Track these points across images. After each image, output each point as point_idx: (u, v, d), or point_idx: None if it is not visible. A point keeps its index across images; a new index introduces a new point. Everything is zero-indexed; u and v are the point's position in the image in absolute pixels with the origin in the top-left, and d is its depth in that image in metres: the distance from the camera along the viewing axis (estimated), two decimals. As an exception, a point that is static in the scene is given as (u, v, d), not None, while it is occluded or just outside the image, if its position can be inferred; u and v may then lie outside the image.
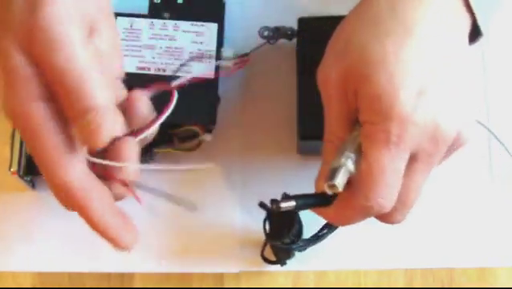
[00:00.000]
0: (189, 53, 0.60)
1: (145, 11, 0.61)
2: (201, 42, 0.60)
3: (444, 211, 0.61)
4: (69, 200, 0.45)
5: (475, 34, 0.51)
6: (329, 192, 0.47)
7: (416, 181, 0.48)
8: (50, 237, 0.61)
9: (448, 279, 0.60)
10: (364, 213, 0.48)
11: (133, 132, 0.46)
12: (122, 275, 0.60)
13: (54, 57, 0.42)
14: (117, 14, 0.59)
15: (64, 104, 0.43)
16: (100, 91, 0.43)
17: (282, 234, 0.56)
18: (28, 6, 0.43)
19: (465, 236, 0.60)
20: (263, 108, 0.64)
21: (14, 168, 0.58)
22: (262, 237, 0.59)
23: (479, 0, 0.49)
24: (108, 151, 0.45)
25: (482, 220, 0.61)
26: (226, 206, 0.61)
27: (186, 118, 0.58)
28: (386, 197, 0.47)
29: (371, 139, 0.47)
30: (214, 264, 0.60)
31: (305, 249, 0.59)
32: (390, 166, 0.46)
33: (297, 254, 0.59)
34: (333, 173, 0.47)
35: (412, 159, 0.47)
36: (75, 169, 0.44)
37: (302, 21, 0.62)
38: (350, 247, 0.60)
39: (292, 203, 0.49)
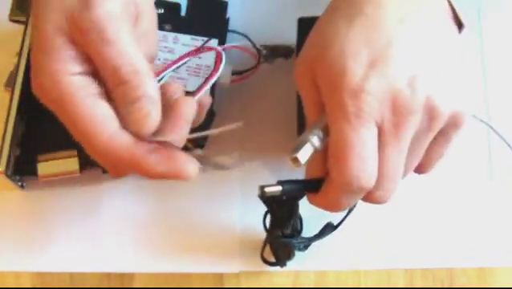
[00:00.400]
0: (186, 67, 0.59)
1: None
2: (200, 57, 0.60)
3: (444, 211, 0.61)
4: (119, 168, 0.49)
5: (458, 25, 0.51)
6: (293, 166, 0.48)
7: (388, 155, 0.47)
8: (50, 237, 0.61)
9: (448, 279, 0.60)
10: (346, 191, 0.48)
11: (192, 94, 0.50)
12: (122, 275, 0.60)
13: (106, 52, 0.46)
14: None
15: (114, 90, 0.47)
16: (149, 80, 0.47)
17: (283, 224, 0.56)
18: (81, 1, 0.46)
19: (465, 236, 0.60)
20: (263, 109, 0.64)
21: (2, 167, 0.58)
22: (262, 237, 0.59)
23: None
24: (168, 109, 0.48)
25: (482, 220, 0.61)
26: (226, 206, 0.61)
27: None
28: (361, 170, 0.46)
29: (332, 115, 0.47)
30: (214, 264, 0.60)
31: (305, 248, 0.59)
32: (355, 137, 0.46)
33: (297, 253, 0.59)
34: (296, 147, 0.48)
35: (380, 131, 0.47)
36: (119, 139, 0.47)
37: (302, 21, 0.62)
38: (350, 247, 0.60)
39: (278, 188, 0.49)
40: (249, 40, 0.63)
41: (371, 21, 0.48)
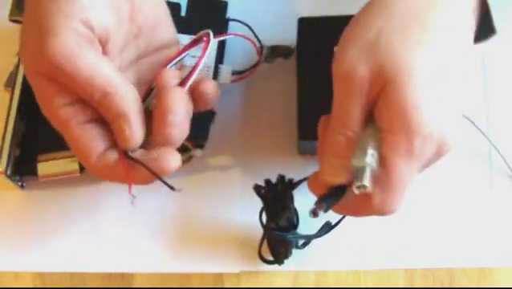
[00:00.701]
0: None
1: None
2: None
3: (444, 211, 0.61)
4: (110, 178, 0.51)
5: (486, 32, 0.51)
6: (357, 192, 0.47)
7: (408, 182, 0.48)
8: (50, 237, 0.61)
9: (448, 279, 0.60)
10: (375, 212, 0.49)
11: (180, 83, 0.50)
12: (122, 275, 0.61)
13: (75, 83, 0.48)
14: None
15: (100, 112, 0.49)
16: (121, 98, 0.48)
17: (277, 215, 0.56)
18: (38, 38, 0.48)
19: (465, 236, 0.60)
20: (263, 109, 0.64)
21: (2, 167, 0.58)
22: (266, 249, 0.59)
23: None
24: (158, 100, 0.49)
25: (482, 220, 0.61)
26: (226, 206, 0.61)
27: None
28: (398, 205, 0.48)
29: (393, 148, 0.47)
30: (214, 264, 0.60)
31: (304, 246, 0.59)
32: (409, 178, 0.47)
33: (297, 253, 0.59)
34: (361, 173, 0.47)
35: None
36: (108, 157, 0.49)
37: (302, 21, 0.62)
38: (350, 247, 0.60)
39: (324, 209, 0.49)
40: (252, 31, 0.62)
41: (440, 54, 0.47)
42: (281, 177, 0.55)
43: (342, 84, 0.48)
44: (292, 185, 0.55)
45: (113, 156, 0.49)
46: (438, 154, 0.48)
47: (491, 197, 0.61)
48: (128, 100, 0.49)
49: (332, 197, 0.49)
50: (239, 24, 0.63)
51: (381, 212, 0.48)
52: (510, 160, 0.62)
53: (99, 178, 0.51)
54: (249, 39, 0.61)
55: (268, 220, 0.57)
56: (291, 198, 0.56)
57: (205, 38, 0.53)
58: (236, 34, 0.60)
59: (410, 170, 0.47)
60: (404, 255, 0.60)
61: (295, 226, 0.57)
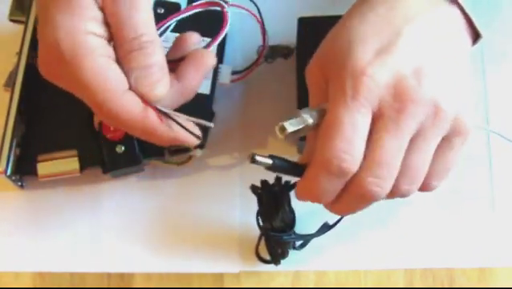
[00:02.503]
0: None
1: None
2: None
3: (444, 211, 0.61)
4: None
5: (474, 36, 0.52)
6: (279, 135, 0.48)
7: (383, 139, 0.47)
8: (50, 237, 0.61)
9: (448, 279, 0.60)
10: (327, 172, 0.47)
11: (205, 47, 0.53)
12: (122, 275, 0.61)
13: (133, 19, 0.48)
14: None
15: (128, 55, 0.49)
16: (163, 52, 0.50)
17: (271, 216, 0.55)
18: None
19: (465, 236, 0.60)
20: (263, 109, 0.64)
21: (2, 167, 0.58)
22: (264, 253, 0.59)
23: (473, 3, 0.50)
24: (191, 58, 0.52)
25: (482, 220, 0.61)
26: (226, 206, 0.62)
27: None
28: (344, 151, 0.47)
29: (331, 97, 0.48)
30: (214, 264, 0.60)
31: (302, 247, 0.59)
32: (346, 118, 0.46)
33: (297, 253, 0.59)
34: (287, 119, 0.48)
35: (378, 116, 0.47)
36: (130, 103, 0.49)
37: (302, 21, 0.62)
38: (350, 247, 0.60)
39: (269, 160, 0.49)
40: (258, 10, 0.62)
41: (381, 18, 0.49)
42: (277, 178, 0.55)
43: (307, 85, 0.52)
44: (289, 186, 0.55)
45: (138, 98, 0.49)
46: (402, 102, 0.47)
47: (491, 197, 0.61)
48: (161, 49, 0.50)
49: (285, 163, 0.50)
50: (240, 23, 0.63)
51: (329, 164, 0.47)
52: (510, 159, 0.62)
53: (113, 123, 0.51)
54: (255, 16, 0.61)
55: (263, 221, 0.57)
56: (288, 199, 0.56)
57: (223, 13, 0.55)
58: (240, 7, 0.60)
59: (347, 111, 0.46)
60: (404, 255, 0.60)
61: (291, 227, 0.57)
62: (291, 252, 0.59)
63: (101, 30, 0.49)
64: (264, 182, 0.55)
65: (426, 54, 0.48)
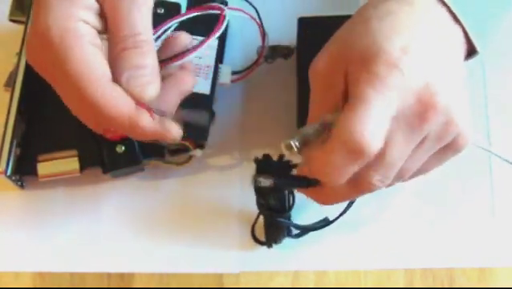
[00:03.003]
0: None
1: None
2: (200, 57, 0.60)
3: (444, 211, 0.61)
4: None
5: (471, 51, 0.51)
6: (285, 151, 0.48)
7: (398, 142, 0.46)
8: (50, 237, 0.61)
9: (448, 279, 0.60)
10: (345, 150, 0.46)
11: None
12: (122, 275, 0.61)
13: (134, 16, 0.48)
14: None
15: (121, 53, 0.48)
16: (155, 55, 0.49)
17: (268, 192, 0.55)
18: None
19: (465, 236, 0.60)
20: (263, 109, 0.64)
21: (2, 167, 0.58)
22: (262, 237, 0.59)
23: (469, 15, 0.49)
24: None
25: (482, 220, 0.61)
26: (226, 206, 0.62)
27: None
28: (367, 129, 0.45)
29: (356, 82, 0.47)
30: (214, 264, 0.60)
31: (298, 236, 0.59)
32: (373, 98, 0.45)
33: (297, 254, 0.59)
34: (293, 136, 0.48)
35: (397, 116, 0.46)
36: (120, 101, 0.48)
37: (302, 21, 0.62)
38: (350, 247, 0.60)
39: (270, 181, 0.49)
40: (257, 13, 0.61)
41: (399, 18, 0.48)
42: (280, 156, 0.54)
43: (310, 84, 0.51)
44: (290, 166, 0.53)
45: (122, 92, 0.48)
46: (443, 132, 0.47)
47: (491, 196, 0.61)
48: (155, 52, 0.49)
49: (288, 180, 0.50)
50: (240, 23, 0.63)
51: (348, 141, 0.46)
52: (511, 158, 0.62)
53: (92, 117, 0.49)
54: (254, 19, 0.60)
55: (258, 197, 0.55)
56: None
57: (220, 14, 0.54)
58: (240, 10, 0.59)
59: (375, 91, 0.45)
60: (404, 255, 0.60)
61: (286, 210, 0.56)
62: (291, 247, 0.59)
63: (94, 20, 0.48)
64: (266, 155, 0.54)
65: (440, 63, 0.48)
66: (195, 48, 0.51)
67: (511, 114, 0.63)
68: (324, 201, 0.51)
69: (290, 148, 0.47)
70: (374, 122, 0.46)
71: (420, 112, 0.46)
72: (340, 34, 0.50)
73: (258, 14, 0.61)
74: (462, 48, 0.50)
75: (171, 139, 0.50)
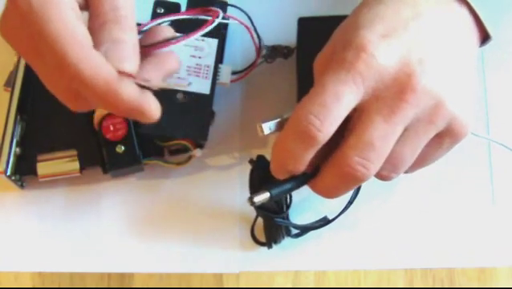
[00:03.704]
0: (187, 67, 0.59)
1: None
2: (200, 57, 0.60)
3: (444, 211, 0.61)
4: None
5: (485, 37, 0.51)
6: (259, 133, 0.49)
7: (374, 121, 0.46)
8: (50, 237, 0.61)
9: (448, 279, 0.60)
10: (294, 132, 0.47)
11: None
12: (122, 275, 0.61)
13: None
14: None
15: (103, 26, 0.46)
16: (135, 31, 0.47)
17: (256, 190, 0.53)
18: None
19: (465, 236, 0.60)
20: (263, 109, 0.64)
21: (2, 167, 0.58)
22: (262, 237, 0.59)
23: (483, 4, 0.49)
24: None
25: (482, 220, 0.61)
26: (226, 206, 0.61)
27: (177, 132, 0.59)
28: (316, 116, 0.45)
29: (324, 70, 0.47)
30: (214, 264, 0.60)
31: (296, 236, 0.59)
32: (331, 86, 0.46)
33: (297, 254, 0.59)
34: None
35: (372, 97, 0.46)
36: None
37: (302, 21, 0.62)
38: (350, 247, 0.60)
39: (266, 195, 0.49)
40: (251, 22, 0.62)
41: (390, 9, 0.48)
42: (260, 157, 0.54)
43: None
44: None
45: (102, 59, 0.45)
46: (433, 116, 0.46)
47: (491, 197, 0.61)
48: (135, 30, 0.48)
49: (283, 185, 0.49)
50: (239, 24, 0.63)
51: (296, 124, 0.46)
52: (511, 158, 0.62)
53: (68, 88, 0.47)
54: (247, 28, 0.60)
55: (250, 193, 0.55)
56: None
57: (213, 13, 0.54)
58: (234, 18, 0.60)
59: (334, 79, 0.46)
60: (404, 255, 0.60)
61: (282, 211, 0.56)
62: (291, 247, 0.59)
63: None
64: (260, 156, 0.54)
65: (433, 48, 0.47)
66: (177, 40, 0.50)
67: (510, 102, 0.63)
68: (326, 194, 0.50)
69: (261, 130, 0.48)
70: (322, 104, 0.45)
71: (397, 93, 0.46)
72: (339, 27, 0.51)
73: (252, 22, 0.61)
74: (470, 34, 0.50)
75: (149, 115, 0.47)
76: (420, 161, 0.50)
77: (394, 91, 0.46)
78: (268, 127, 0.49)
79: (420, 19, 0.48)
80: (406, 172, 0.51)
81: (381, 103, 0.46)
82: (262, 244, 0.60)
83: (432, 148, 0.49)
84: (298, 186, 0.51)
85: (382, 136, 0.46)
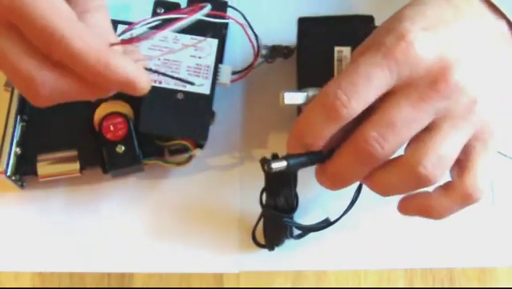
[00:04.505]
0: (187, 67, 0.59)
1: None
2: (200, 57, 0.60)
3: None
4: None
5: None
6: (280, 101, 0.50)
7: (396, 103, 0.46)
8: (50, 237, 0.61)
9: (448, 279, 0.60)
10: (321, 105, 0.47)
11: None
12: (122, 275, 0.61)
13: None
14: (117, 22, 0.59)
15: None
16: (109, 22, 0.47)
17: (278, 192, 0.55)
18: None
19: (465, 236, 0.60)
20: (263, 109, 0.64)
21: (2, 167, 0.58)
22: (262, 237, 0.59)
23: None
24: None
25: (482, 220, 0.61)
26: (226, 206, 0.62)
27: (177, 132, 0.59)
28: (345, 92, 0.46)
29: (364, 52, 0.47)
30: (214, 264, 0.60)
31: (299, 237, 0.59)
32: (364, 67, 0.46)
33: (297, 254, 0.59)
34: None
35: (402, 85, 0.46)
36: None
37: (302, 21, 0.62)
38: (350, 247, 0.60)
39: (283, 163, 0.49)
40: (247, 22, 0.61)
41: (433, 10, 0.48)
42: (275, 156, 0.54)
43: None
44: None
45: (89, 29, 0.46)
46: (468, 113, 0.46)
47: (491, 197, 0.61)
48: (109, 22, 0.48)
49: (301, 158, 0.49)
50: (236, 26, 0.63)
51: (326, 95, 0.46)
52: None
53: (66, 53, 0.45)
54: (244, 29, 0.60)
55: (268, 197, 0.56)
56: (295, 181, 0.55)
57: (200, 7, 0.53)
58: (231, 18, 0.59)
59: (368, 61, 0.46)
60: (404, 255, 0.60)
61: (292, 210, 0.56)
62: (291, 247, 0.59)
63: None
64: (275, 156, 0.53)
65: (471, 51, 0.47)
66: (147, 36, 0.49)
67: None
68: (333, 181, 0.50)
69: (282, 99, 0.49)
70: (352, 82, 0.46)
71: (430, 82, 0.46)
72: (381, 24, 0.50)
73: (247, 20, 0.61)
74: (508, 46, 0.50)
75: (140, 87, 0.46)
76: (463, 167, 0.49)
77: (427, 81, 0.46)
78: (290, 97, 0.49)
79: (461, 22, 0.48)
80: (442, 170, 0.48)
81: (412, 89, 0.46)
82: (263, 246, 0.59)
83: (469, 154, 0.48)
84: (313, 162, 0.50)
85: (404, 119, 0.46)
